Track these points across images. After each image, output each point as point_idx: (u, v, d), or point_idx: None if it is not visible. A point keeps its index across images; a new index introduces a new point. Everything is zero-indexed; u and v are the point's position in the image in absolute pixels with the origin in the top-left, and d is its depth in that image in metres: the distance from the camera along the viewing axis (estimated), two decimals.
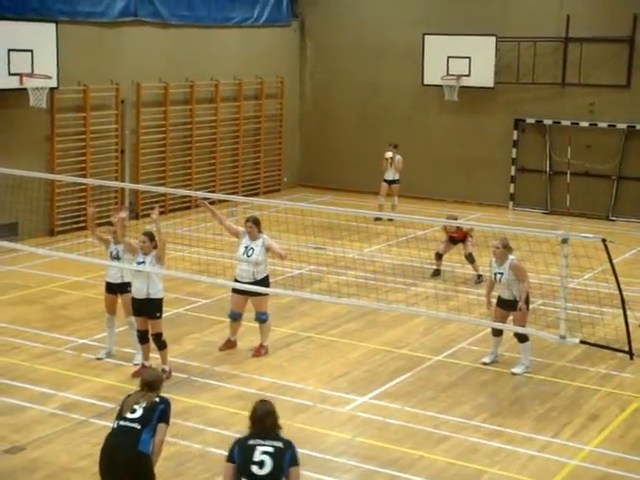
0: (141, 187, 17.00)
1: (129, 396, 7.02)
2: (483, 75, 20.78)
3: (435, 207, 20.62)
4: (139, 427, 6.71)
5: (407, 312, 12.73)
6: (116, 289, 10.91)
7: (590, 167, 20.27)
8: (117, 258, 10.79)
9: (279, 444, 6.16)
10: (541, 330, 10.73)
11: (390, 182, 19.61)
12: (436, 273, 15.12)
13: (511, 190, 21.29)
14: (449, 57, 20.92)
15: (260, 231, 11.28)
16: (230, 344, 11.61)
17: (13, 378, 10.46)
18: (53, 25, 16.59)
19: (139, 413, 6.77)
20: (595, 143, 20.29)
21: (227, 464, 6.18)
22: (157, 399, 6.91)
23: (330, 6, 22.72)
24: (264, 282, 11.16)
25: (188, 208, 19.40)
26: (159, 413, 6.83)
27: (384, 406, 10.00)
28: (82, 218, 17.96)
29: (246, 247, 11.16)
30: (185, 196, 19.20)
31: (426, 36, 21.14)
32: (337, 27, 22.68)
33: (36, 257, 15.01)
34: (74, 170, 17.61)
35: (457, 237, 14.96)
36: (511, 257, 11.00)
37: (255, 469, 6.03)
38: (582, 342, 9.67)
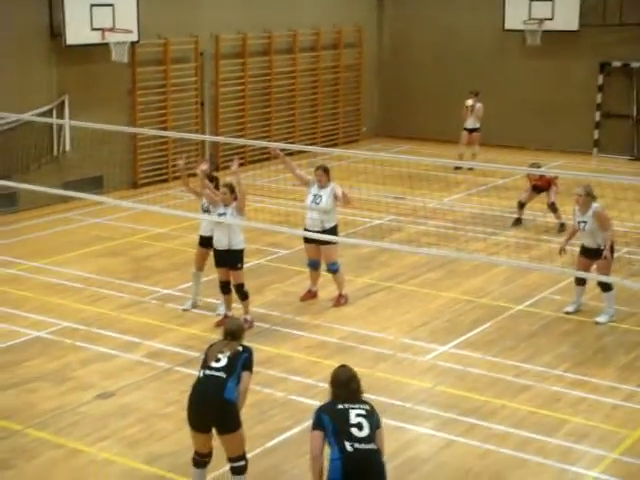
0: (221, 139, 17.15)
1: (213, 345, 7.15)
2: (567, 18, 20.23)
3: (517, 155, 20.28)
4: (224, 376, 6.85)
5: (487, 262, 12.63)
6: (209, 242, 10.95)
7: None
8: (207, 211, 10.88)
9: (367, 406, 6.17)
10: (626, 279, 10.54)
11: (471, 130, 19.43)
12: (517, 222, 14.93)
13: (595, 136, 20.79)
14: (531, 0, 20.39)
15: (329, 179, 11.28)
16: (311, 294, 11.71)
17: (101, 327, 10.78)
18: None
19: (224, 362, 6.90)
20: None
21: (315, 432, 6.05)
22: (240, 348, 7.03)
23: None
24: (333, 231, 11.18)
25: (267, 159, 19.48)
26: (243, 361, 6.95)
27: (465, 355, 10.00)
28: (164, 171, 18.25)
29: (314, 195, 11.20)
30: (264, 147, 19.28)
31: None
32: None
33: (120, 209, 15.34)
34: (155, 123, 17.85)
35: (541, 185, 14.70)
36: (595, 205, 10.79)
37: (355, 431, 5.98)
38: None
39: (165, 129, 17.63)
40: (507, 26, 20.95)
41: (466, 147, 19.32)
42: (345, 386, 6.18)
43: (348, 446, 5.93)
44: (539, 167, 14.32)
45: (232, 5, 19.29)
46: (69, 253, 13.68)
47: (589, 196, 10.82)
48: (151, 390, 9.20)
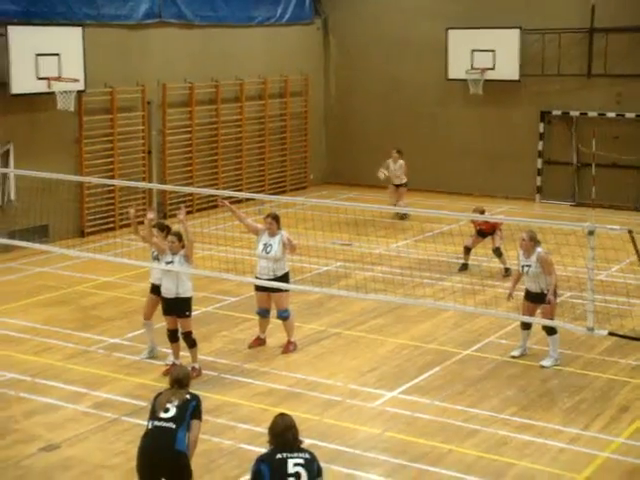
0: (168, 187, 17.15)
1: (160, 394, 7.11)
2: (508, 68, 20.72)
3: (462, 201, 20.59)
4: (174, 426, 6.81)
5: (435, 307, 12.75)
6: (160, 290, 10.86)
7: (617, 158, 20.16)
8: (157, 259, 10.85)
9: (306, 455, 6.13)
10: (569, 322, 10.72)
11: (397, 186, 19.43)
12: (463, 267, 15.13)
13: (538, 183, 21.22)
14: (473, 50, 20.89)
15: (279, 227, 11.35)
16: (259, 341, 11.70)
17: (47, 377, 10.62)
18: (79, 29, 16.80)
19: (172, 412, 6.86)
20: (622, 134, 20.17)
21: None
22: (188, 396, 7.00)
23: (352, 2, 22.76)
24: (284, 278, 11.23)
25: (215, 207, 19.48)
26: (191, 410, 6.92)
27: (413, 401, 10.04)
28: (111, 219, 18.16)
29: (265, 244, 11.24)
30: (212, 195, 19.32)
31: (449, 30, 21.12)
32: (360, 23, 22.71)
33: (67, 258, 15.20)
34: (102, 172, 17.80)
35: (485, 230, 14.95)
36: (538, 249, 11.00)
37: None
38: (611, 334, 9.64)
39: (112, 177, 17.60)
40: (450, 75, 21.40)
41: (395, 200, 19.27)
42: (281, 435, 6.14)
43: None
44: (482, 212, 14.56)
45: (179, 54, 19.42)
46: (14, 303, 13.50)
47: (533, 241, 11.03)
48: (97, 441, 9.07)
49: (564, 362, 11.10)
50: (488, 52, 20.74)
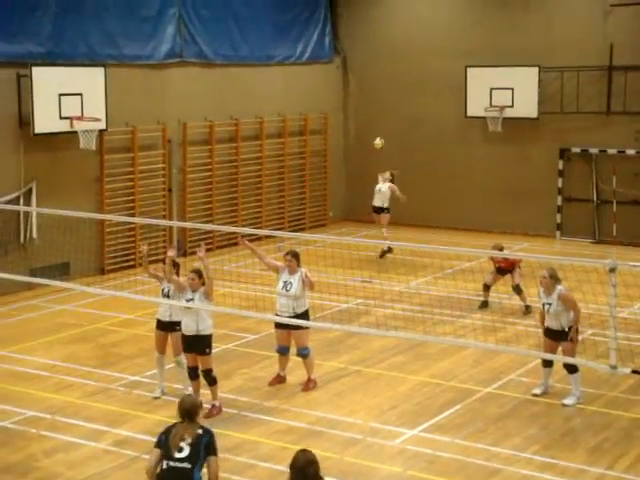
0: (188, 225, 17.24)
1: (170, 429, 6.92)
2: (527, 106, 20.78)
3: (481, 238, 20.54)
4: (190, 466, 6.71)
5: (455, 344, 12.69)
6: (166, 327, 11.04)
7: (638, 195, 20.10)
8: (167, 296, 10.93)
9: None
10: (592, 360, 10.63)
11: (378, 210, 18.93)
12: (484, 305, 15.06)
13: (558, 220, 21.17)
14: (492, 89, 20.98)
15: (299, 265, 11.37)
16: (279, 379, 11.67)
17: (67, 415, 10.63)
18: (102, 69, 17.00)
19: (187, 451, 6.73)
20: None
21: None
22: (200, 431, 6.86)
23: (372, 41, 22.94)
24: (304, 316, 11.23)
25: (235, 244, 19.56)
26: (205, 446, 6.80)
27: (434, 439, 9.97)
28: (132, 257, 18.25)
29: (285, 282, 11.25)
30: (232, 233, 19.40)
31: (468, 68, 21.24)
32: (379, 62, 22.88)
33: (87, 296, 15.27)
34: (123, 210, 17.92)
35: (504, 267, 14.90)
36: (559, 287, 10.95)
37: None
38: (634, 372, 9.52)
39: (133, 215, 17.70)
40: (469, 113, 21.48)
41: (377, 227, 18.82)
42: (302, 470, 6.12)
43: None
44: (501, 249, 14.53)
45: (199, 93, 19.62)
46: (35, 341, 13.55)
47: (553, 278, 10.98)
48: (118, 479, 9.04)
49: (587, 400, 11.00)
50: (507, 90, 20.81)
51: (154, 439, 9.68)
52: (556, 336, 10.87)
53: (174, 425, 6.98)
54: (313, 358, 11.58)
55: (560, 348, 10.90)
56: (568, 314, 10.82)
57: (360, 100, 23.37)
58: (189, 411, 6.94)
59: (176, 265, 11.01)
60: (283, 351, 11.55)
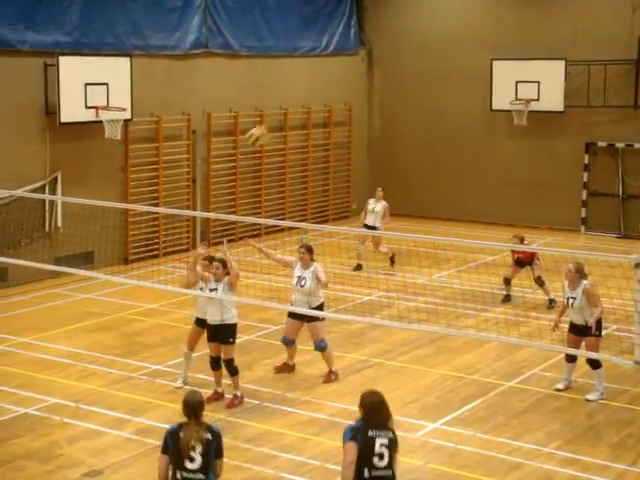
0: (212, 215, 17.28)
1: (177, 432, 6.60)
2: (553, 99, 20.64)
3: (505, 232, 20.42)
4: (203, 477, 6.59)
5: (478, 338, 12.65)
6: (204, 324, 10.89)
7: None
8: (200, 289, 10.81)
9: (391, 435, 6.51)
10: (615, 356, 10.56)
11: (370, 228, 17.34)
12: (506, 299, 15.00)
13: (583, 214, 21.03)
14: (517, 82, 20.85)
15: (312, 259, 11.35)
16: (287, 367, 11.70)
17: (90, 403, 10.70)
18: (127, 59, 17.05)
19: (199, 462, 6.57)
20: None
21: (350, 443, 6.42)
22: (209, 436, 6.62)
23: (397, 33, 22.86)
24: (319, 309, 11.23)
25: (258, 235, 19.60)
26: (214, 452, 6.66)
27: (456, 432, 9.95)
28: (155, 247, 18.32)
29: (299, 277, 11.24)
30: (255, 224, 19.44)
31: (494, 61, 21.12)
32: (404, 54, 22.80)
33: (111, 285, 15.35)
34: (147, 199, 17.99)
35: (523, 259, 14.82)
36: (584, 282, 10.88)
37: (376, 461, 6.42)
38: None
39: (157, 205, 17.77)
40: (494, 106, 21.36)
41: (370, 246, 17.34)
42: (377, 412, 6.56)
43: (366, 473, 6.38)
44: (522, 239, 14.46)
45: (224, 84, 19.64)
46: (59, 329, 13.65)
47: (579, 273, 10.91)
48: (140, 467, 9.10)
49: (610, 396, 10.93)
50: (533, 83, 20.68)
51: None
52: (579, 331, 10.81)
53: (180, 427, 6.67)
54: (331, 350, 11.58)
55: (584, 343, 10.84)
56: (591, 309, 10.75)
57: (385, 92, 23.30)
58: (196, 409, 6.68)
59: (211, 260, 10.91)
60: (288, 342, 11.58)
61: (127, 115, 17.00)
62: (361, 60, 23.11)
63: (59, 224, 16.56)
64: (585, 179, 20.95)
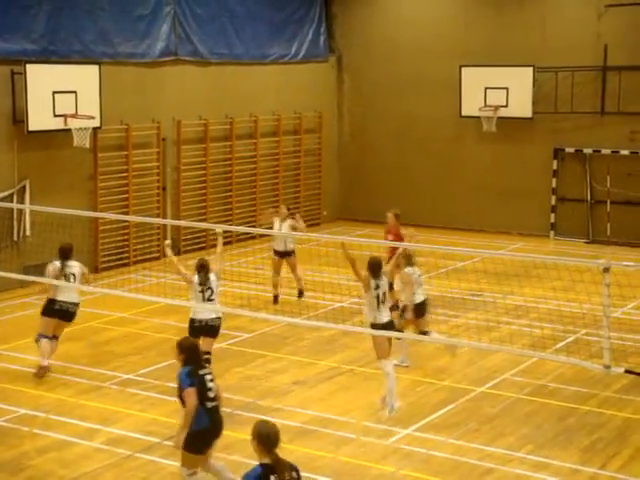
0: (183, 223, 17.21)
1: (267, 475, 6.08)
2: (521, 105, 20.79)
3: (475, 238, 20.57)
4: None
5: (449, 343, 12.67)
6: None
7: (631, 195, 20.14)
8: (210, 300, 11.33)
9: (297, 473, 6.22)
10: (585, 360, 10.64)
11: (282, 254, 15.22)
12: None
13: (552, 220, 21.19)
14: (487, 88, 20.98)
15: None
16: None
17: (61, 413, 10.60)
18: (96, 67, 16.97)
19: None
20: (636, 171, 20.15)
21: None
22: (295, 475, 6.28)
23: (366, 40, 22.93)
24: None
25: (229, 243, 19.55)
26: None
27: (428, 438, 9.97)
28: (125, 255, 18.22)
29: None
30: (226, 231, 19.37)
31: (463, 68, 21.25)
32: (374, 61, 22.88)
33: (81, 294, 15.17)
34: (117, 208, 17.89)
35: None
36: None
37: None
38: (627, 372, 9.56)
39: (127, 213, 17.68)
40: (464, 113, 21.48)
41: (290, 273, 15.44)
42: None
43: None
44: (397, 214, 14.55)
45: (194, 91, 19.59)
46: (28, 338, 13.46)
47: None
48: (111, 478, 9.03)
49: (580, 400, 11.00)
50: (501, 90, 20.82)
51: (147, 438, 9.69)
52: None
53: (268, 470, 6.10)
54: None
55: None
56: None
57: (355, 99, 23.36)
58: (277, 441, 6.22)
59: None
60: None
61: (96, 123, 16.91)
62: (331, 67, 23.16)
63: (27, 233, 16.42)
64: (554, 185, 21.12)
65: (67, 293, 11.86)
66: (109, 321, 14.43)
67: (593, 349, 12.16)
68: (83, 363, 12.39)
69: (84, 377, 11.84)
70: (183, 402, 8.07)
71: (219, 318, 11.28)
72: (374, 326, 10.40)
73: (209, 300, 11.19)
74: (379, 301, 10.42)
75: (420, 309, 11.94)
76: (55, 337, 11.94)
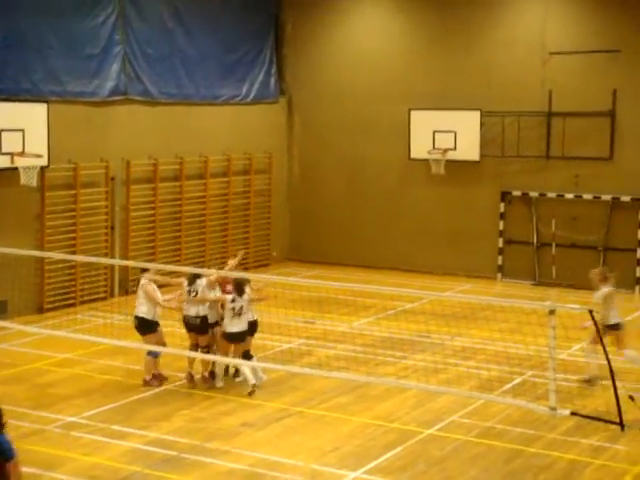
0: (130, 263, 17.06)
1: None
2: (469, 149, 21.09)
3: (423, 279, 20.70)
4: None
5: (397, 385, 12.69)
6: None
7: (576, 238, 20.47)
8: (239, 314, 12.79)
9: None
10: (531, 402, 10.71)
11: (192, 328, 13.10)
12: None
13: (499, 262, 21.43)
14: (435, 131, 21.26)
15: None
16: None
17: None
18: (44, 105, 16.84)
19: None
20: (581, 215, 20.52)
21: None
22: None
23: (316, 83, 23.14)
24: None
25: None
26: None
27: None
28: (72, 295, 17.97)
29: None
30: (175, 272, 19.22)
31: (412, 111, 21.52)
32: (324, 102, 23.07)
33: (24, 335, 14.96)
34: (64, 247, 17.67)
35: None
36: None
37: None
38: (573, 414, 9.64)
39: (74, 253, 17.47)
40: (413, 155, 21.72)
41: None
42: None
43: None
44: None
45: (144, 131, 19.54)
46: None
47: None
48: None
49: (526, 442, 11.05)
50: (449, 133, 21.12)
51: None
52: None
53: None
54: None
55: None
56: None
57: (305, 140, 23.50)
58: None
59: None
60: None
61: (44, 162, 16.76)
62: (281, 108, 23.29)
63: None
64: (501, 227, 21.39)
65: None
66: (54, 362, 14.18)
67: (539, 391, 12.26)
68: (25, 406, 12.12)
69: (26, 420, 11.57)
70: None
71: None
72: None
73: (238, 315, 12.73)
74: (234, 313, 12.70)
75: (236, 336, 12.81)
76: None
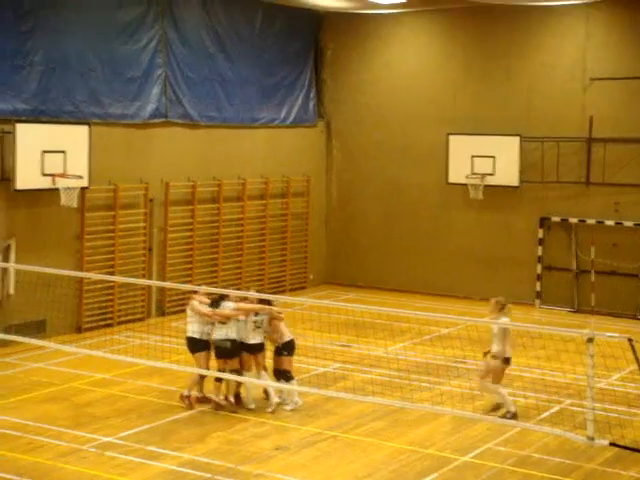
0: (167, 284, 17.18)
1: None
2: (508, 174, 20.99)
3: (461, 305, 20.56)
4: None
5: (433, 411, 12.59)
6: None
7: (616, 266, 20.23)
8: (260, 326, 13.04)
9: None
10: (569, 431, 10.56)
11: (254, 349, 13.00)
12: None
13: (537, 288, 21.23)
14: (473, 156, 21.19)
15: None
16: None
17: (36, 477, 10.40)
18: (86, 127, 17.06)
19: None
20: (621, 242, 20.29)
21: None
22: None
23: (355, 106, 23.20)
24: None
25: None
26: None
27: None
28: (109, 315, 18.11)
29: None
30: (211, 293, 19.28)
31: (450, 136, 21.48)
32: (362, 127, 23.11)
33: (62, 354, 15.08)
34: (102, 267, 17.83)
35: None
36: None
37: None
38: (612, 444, 9.49)
39: (112, 273, 17.61)
40: (450, 180, 21.66)
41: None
42: None
43: None
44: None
45: (183, 153, 19.70)
46: (7, 399, 13.33)
47: None
48: None
49: (564, 472, 10.88)
50: (488, 158, 21.04)
51: None
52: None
53: None
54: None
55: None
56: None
57: (343, 164, 23.55)
58: None
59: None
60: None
61: (84, 183, 16.95)
62: (320, 132, 23.38)
63: (11, 291, 16.31)
64: (540, 253, 21.21)
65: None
66: (91, 382, 14.27)
67: (577, 420, 12.09)
68: (62, 425, 12.21)
69: (63, 439, 11.65)
70: None
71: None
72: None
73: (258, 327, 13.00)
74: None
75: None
76: None
